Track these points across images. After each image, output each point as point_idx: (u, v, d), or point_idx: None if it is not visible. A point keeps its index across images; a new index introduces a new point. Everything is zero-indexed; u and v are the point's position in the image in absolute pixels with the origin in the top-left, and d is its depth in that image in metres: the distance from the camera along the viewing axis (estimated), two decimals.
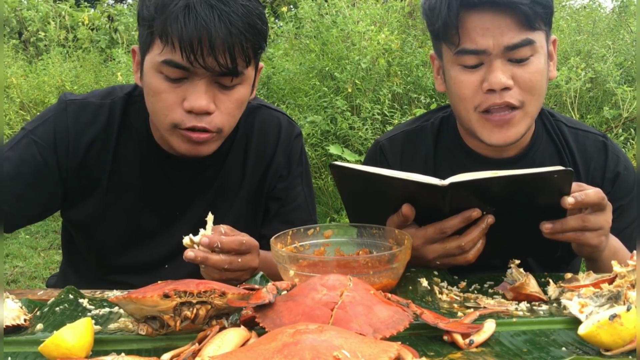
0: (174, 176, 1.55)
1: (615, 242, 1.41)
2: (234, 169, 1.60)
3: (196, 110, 1.33)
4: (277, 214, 1.64)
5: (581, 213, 1.26)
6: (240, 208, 1.60)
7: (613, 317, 0.91)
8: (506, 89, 1.41)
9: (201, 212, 1.56)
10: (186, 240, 1.23)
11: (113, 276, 1.57)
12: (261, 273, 1.32)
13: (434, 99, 5.10)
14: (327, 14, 5.48)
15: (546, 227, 1.26)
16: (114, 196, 1.54)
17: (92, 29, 7.31)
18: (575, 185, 1.25)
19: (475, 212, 1.25)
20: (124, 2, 9.49)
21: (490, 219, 1.26)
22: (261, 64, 1.51)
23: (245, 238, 1.27)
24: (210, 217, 1.26)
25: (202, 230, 1.24)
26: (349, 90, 5.04)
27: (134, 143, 1.53)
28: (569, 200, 1.22)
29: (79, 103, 1.53)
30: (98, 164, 1.52)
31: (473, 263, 1.30)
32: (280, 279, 1.21)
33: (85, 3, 7.89)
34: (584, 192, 1.24)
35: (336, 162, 1.32)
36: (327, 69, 5.21)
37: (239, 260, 1.25)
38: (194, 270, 1.36)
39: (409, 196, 1.30)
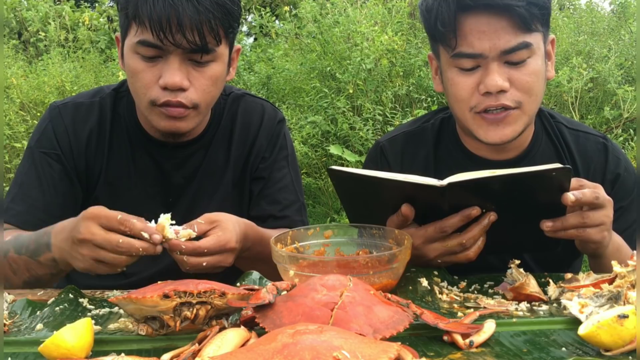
0: (163, 163, 1.61)
1: (618, 239, 1.41)
2: (219, 154, 1.65)
3: (170, 86, 1.41)
4: (263, 194, 1.67)
5: (581, 210, 1.27)
6: (227, 192, 1.66)
7: (623, 317, 0.91)
8: (502, 91, 1.41)
9: (191, 197, 1.63)
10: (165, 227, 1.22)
11: None
12: (259, 275, 1.32)
13: (435, 100, 5.10)
14: (327, 14, 5.48)
15: (547, 225, 1.26)
16: (112, 186, 1.61)
17: (91, 30, 7.30)
18: (574, 180, 1.26)
19: (475, 210, 1.25)
20: None
21: (492, 217, 1.26)
22: (238, 45, 1.59)
23: (200, 220, 1.27)
24: (165, 217, 1.23)
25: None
26: (351, 91, 5.04)
27: (125, 134, 1.61)
28: (571, 197, 1.22)
29: (70, 105, 1.62)
30: (96, 158, 1.60)
31: (473, 261, 1.30)
32: (280, 279, 1.21)
33: (86, 3, 7.88)
34: (580, 191, 1.24)
35: (333, 167, 1.33)
36: (328, 69, 5.21)
37: (213, 240, 1.25)
38: None
39: (408, 197, 1.30)
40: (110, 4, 7.91)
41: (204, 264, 1.25)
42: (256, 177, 1.68)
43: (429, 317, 1.00)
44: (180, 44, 1.37)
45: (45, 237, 1.34)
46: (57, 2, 7.61)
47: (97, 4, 7.94)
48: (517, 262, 1.24)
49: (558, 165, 1.20)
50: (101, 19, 7.63)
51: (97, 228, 1.19)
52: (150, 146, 1.61)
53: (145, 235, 1.18)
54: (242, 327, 0.96)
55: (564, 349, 0.97)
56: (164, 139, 1.58)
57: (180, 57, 1.40)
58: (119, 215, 1.20)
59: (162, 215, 1.22)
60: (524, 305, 1.16)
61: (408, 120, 3.85)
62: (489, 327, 1.01)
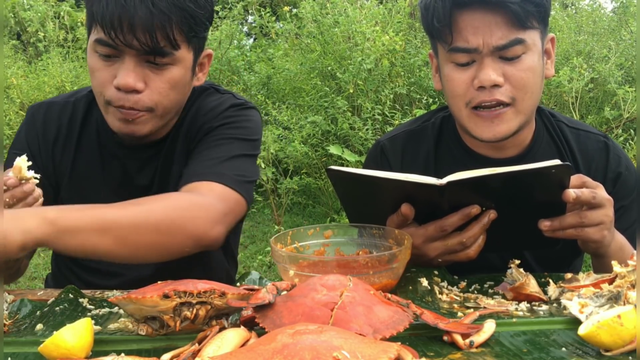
0: (128, 164, 1.59)
1: (620, 238, 1.41)
2: (179, 157, 1.57)
3: (123, 88, 1.38)
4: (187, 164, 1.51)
5: (580, 209, 1.27)
6: None
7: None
8: (496, 86, 1.42)
9: None
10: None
11: (88, 262, 1.61)
12: (259, 275, 1.32)
13: (436, 100, 5.10)
14: (328, 14, 5.48)
15: (545, 225, 1.26)
16: (78, 187, 1.60)
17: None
18: (576, 177, 1.26)
19: (475, 209, 1.26)
20: None
21: (492, 215, 1.26)
22: (210, 50, 1.54)
23: None
24: (20, 159, 1.25)
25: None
26: (351, 90, 5.04)
27: (94, 135, 1.60)
28: (572, 194, 1.22)
29: (45, 106, 1.63)
30: (62, 159, 1.59)
31: (473, 260, 1.30)
32: (280, 278, 1.21)
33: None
34: (579, 190, 1.24)
35: (332, 167, 1.33)
36: (329, 68, 5.21)
37: None
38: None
39: (408, 196, 1.30)
40: None
41: None
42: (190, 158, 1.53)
43: (429, 317, 1.00)
44: (131, 44, 1.35)
45: None
46: (57, 3, 7.61)
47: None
48: (517, 262, 1.24)
49: (557, 162, 1.20)
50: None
51: None
52: (116, 148, 1.58)
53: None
54: (242, 327, 0.96)
55: (564, 349, 0.97)
56: (126, 140, 1.53)
57: (135, 58, 1.38)
58: None
59: (18, 158, 1.24)
60: (524, 305, 1.16)
61: (408, 119, 3.85)
62: (489, 327, 1.01)
